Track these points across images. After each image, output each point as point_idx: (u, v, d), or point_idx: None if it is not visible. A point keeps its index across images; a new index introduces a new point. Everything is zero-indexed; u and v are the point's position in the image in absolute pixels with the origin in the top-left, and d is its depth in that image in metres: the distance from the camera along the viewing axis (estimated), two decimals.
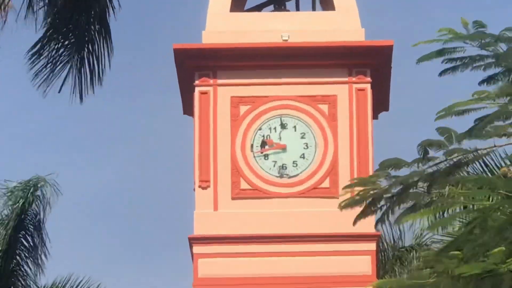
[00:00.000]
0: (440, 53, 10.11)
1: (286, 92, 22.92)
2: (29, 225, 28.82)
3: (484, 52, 10.19)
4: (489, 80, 9.94)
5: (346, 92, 22.66)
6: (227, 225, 22.15)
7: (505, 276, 8.90)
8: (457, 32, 10.29)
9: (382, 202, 10.72)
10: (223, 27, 23.46)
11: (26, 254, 28.35)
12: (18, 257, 28.44)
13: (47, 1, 19.96)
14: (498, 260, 8.54)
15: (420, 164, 10.12)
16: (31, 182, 28.39)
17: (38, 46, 19.21)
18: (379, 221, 11.61)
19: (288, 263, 22.16)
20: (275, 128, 22.44)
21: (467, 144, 9.17)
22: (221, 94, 22.71)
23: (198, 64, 22.91)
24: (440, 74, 10.06)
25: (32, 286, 28.12)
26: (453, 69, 10.06)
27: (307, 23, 23.70)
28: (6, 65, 25.53)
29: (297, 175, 21.82)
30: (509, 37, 10.20)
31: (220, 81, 22.82)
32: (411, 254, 25.65)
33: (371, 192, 10.77)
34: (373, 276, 20.89)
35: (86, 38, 20.14)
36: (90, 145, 59.68)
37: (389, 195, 10.38)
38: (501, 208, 9.60)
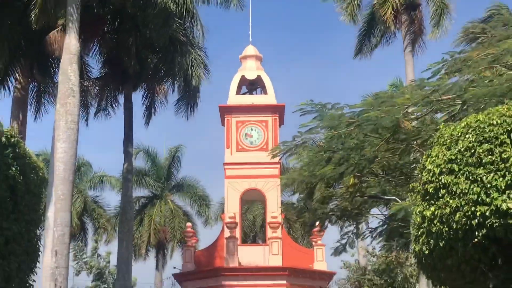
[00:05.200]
0: (307, 109, 15.30)
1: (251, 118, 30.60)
2: None
3: (317, 114, 15.25)
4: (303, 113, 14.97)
5: (271, 120, 30.63)
6: None
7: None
8: (312, 103, 15.58)
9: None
10: (234, 100, 31.40)
11: None
12: None
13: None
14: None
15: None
16: None
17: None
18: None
19: None
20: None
21: None
22: (233, 121, 30.76)
23: (226, 111, 31.00)
24: (300, 115, 15.25)
25: None
26: (307, 116, 14.97)
27: (259, 98, 32.28)
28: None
29: None
30: (325, 104, 15.12)
31: (233, 117, 30.73)
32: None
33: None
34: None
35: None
36: None
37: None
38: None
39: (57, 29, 23.03)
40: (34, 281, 7.66)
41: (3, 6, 23.54)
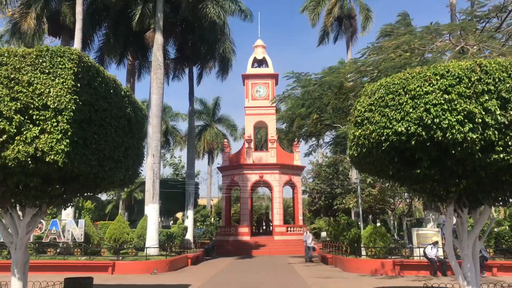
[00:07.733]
0: (290, 76, 15.22)
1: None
2: None
3: (296, 79, 15.07)
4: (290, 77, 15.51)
5: (271, 82, 28.85)
6: None
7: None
8: (293, 72, 15.21)
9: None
10: (250, 71, 29.59)
11: None
12: None
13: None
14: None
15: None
16: None
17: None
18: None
19: None
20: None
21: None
22: (249, 83, 29.06)
23: (246, 77, 29.35)
24: (286, 79, 18.43)
25: None
26: (291, 80, 14.85)
27: (264, 70, 29.98)
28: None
29: None
30: (300, 73, 15.72)
31: (249, 81, 29.09)
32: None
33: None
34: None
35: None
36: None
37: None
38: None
39: (150, 30, 22.81)
40: (142, 170, 7.79)
41: (120, 16, 23.18)
